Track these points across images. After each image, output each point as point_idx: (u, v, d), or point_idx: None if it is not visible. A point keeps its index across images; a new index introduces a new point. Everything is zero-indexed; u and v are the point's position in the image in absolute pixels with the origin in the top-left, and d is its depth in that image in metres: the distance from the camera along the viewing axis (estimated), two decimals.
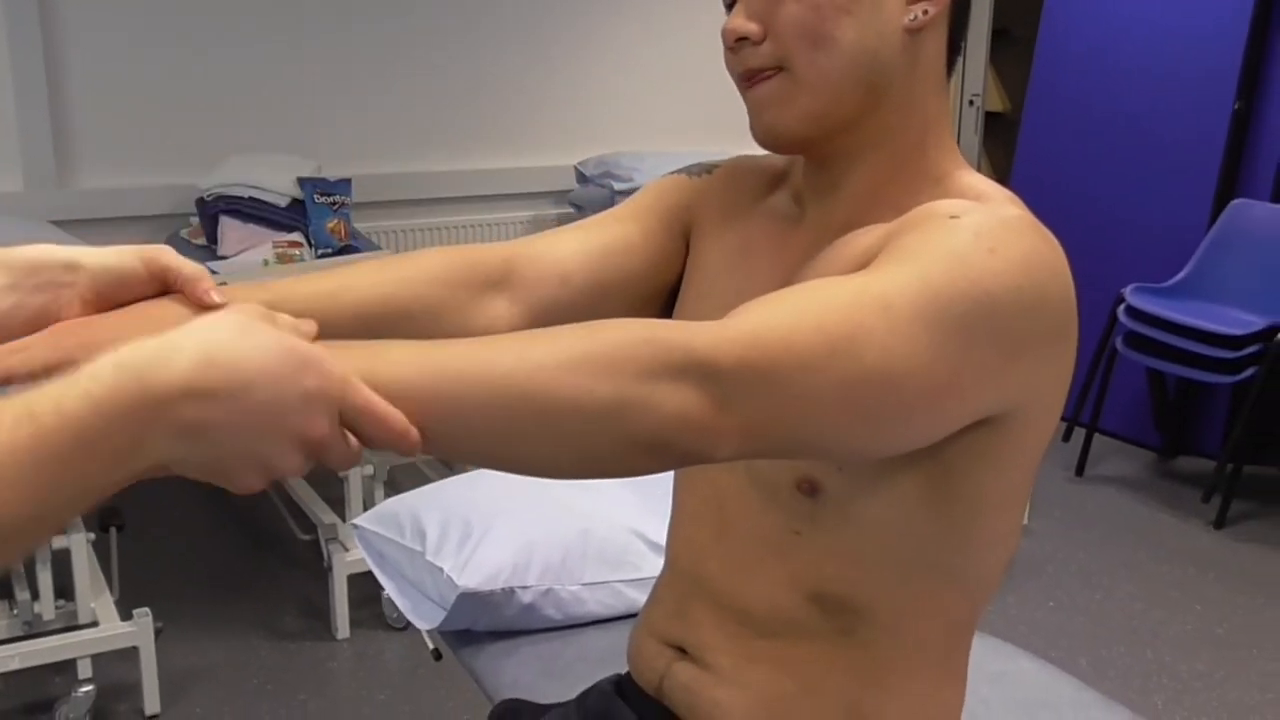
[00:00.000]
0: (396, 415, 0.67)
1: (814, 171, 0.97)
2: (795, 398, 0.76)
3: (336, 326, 0.91)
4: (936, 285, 0.79)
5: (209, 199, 3.40)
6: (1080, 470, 3.77)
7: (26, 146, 3.45)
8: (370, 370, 0.67)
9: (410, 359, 0.70)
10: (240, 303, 0.69)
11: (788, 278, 0.95)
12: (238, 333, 0.63)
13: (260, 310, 0.68)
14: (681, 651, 1.04)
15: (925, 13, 0.90)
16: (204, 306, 0.84)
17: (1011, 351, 0.83)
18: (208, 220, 3.40)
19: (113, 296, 0.84)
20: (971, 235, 0.82)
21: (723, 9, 0.95)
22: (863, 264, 0.86)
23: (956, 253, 0.81)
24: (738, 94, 0.95)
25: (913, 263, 0.81)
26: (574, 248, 1.04)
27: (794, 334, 0.76)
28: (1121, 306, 3.60)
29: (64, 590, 2.35)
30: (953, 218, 0.84)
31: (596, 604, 1.67)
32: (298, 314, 0.74)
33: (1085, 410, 3.81)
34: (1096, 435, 3.83)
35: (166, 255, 0.86)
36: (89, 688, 2.36)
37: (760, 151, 1.01)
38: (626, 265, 1.05)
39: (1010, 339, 0.82)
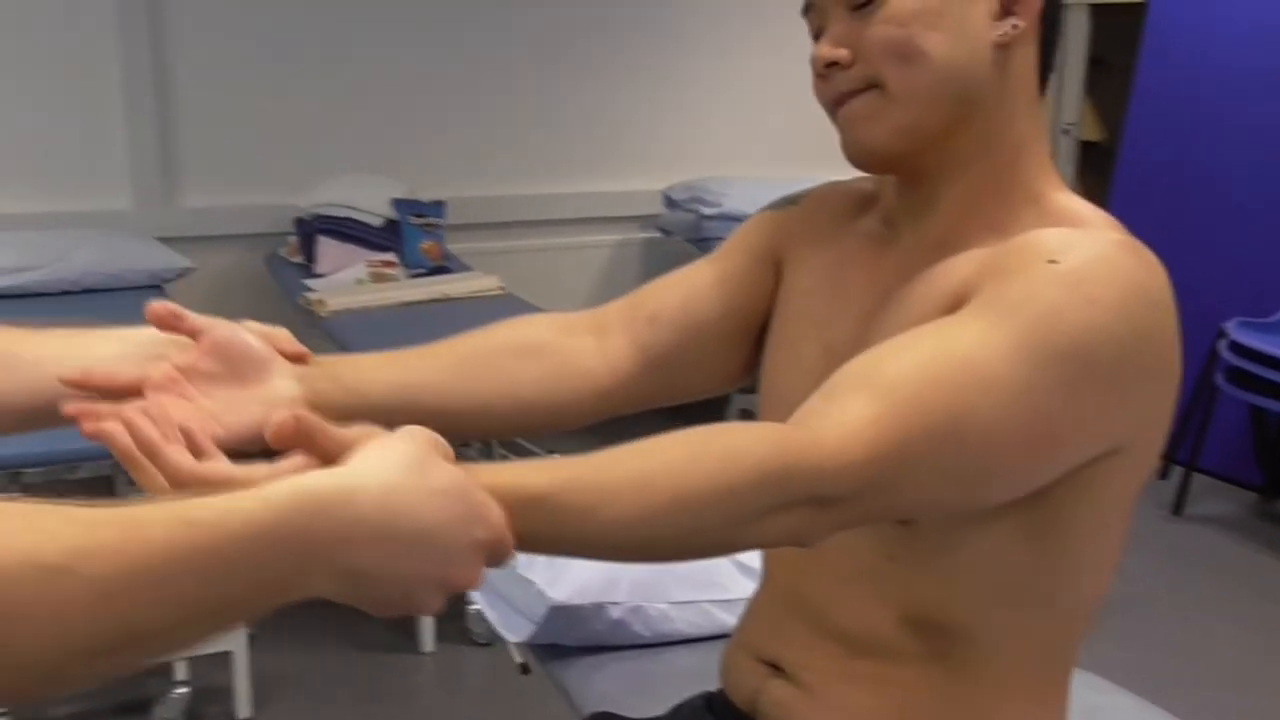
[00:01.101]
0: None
1: (907, 191, 0.97)
2: (901, 494, 0.80)
3: (441, 371, 0.97)
4: (1036, 350, 0.80)
5: (307, 218, 3.49)
6: (1178, 509, 3.67)
7: (136, 167, 3.57)
8: (501, 481, 0.68)
9: (540, 469, 0.71)
10: (412, 430, 0.66)
11: (881, 299, 0.95)
12: (417, 472, 0.61)
13: (434, 440, 0.65)
14: (776, 669, 1.04)
15: (1014, 28, 0.90)
16: (292, 357, 0.90)
17: (1112, 398, 0.83)
18: (305, 239, 3.49)
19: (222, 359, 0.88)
20: (1070, 286, 0.81)
21: (809, 35, 0.96)
22: (959, 298, 0.87)
23: (1055, 309, 0.81)
24: (826, 119, 0.96)
25: (1012, 322, 0.81)
26: (661, 291, 1.08)
27: (908, 436, 0.77)
28: (1223, 341, 3.50)
29: None
30: (1051, 262, 0.83)
31: (684, 623, 1.67)
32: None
33: (1184, 447, 3.70)
34: (1195, 473, 3.73)
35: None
36: (184, 689, 2.42)
37: (850, 174, 1.02)
38: (717, 302, 1.06)
39: (1111, 386, 0.82)
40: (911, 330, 0.85)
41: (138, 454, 0.66)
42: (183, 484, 0.65)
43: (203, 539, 0.55)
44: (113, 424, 0.66)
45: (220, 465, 0.66)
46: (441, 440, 0.66)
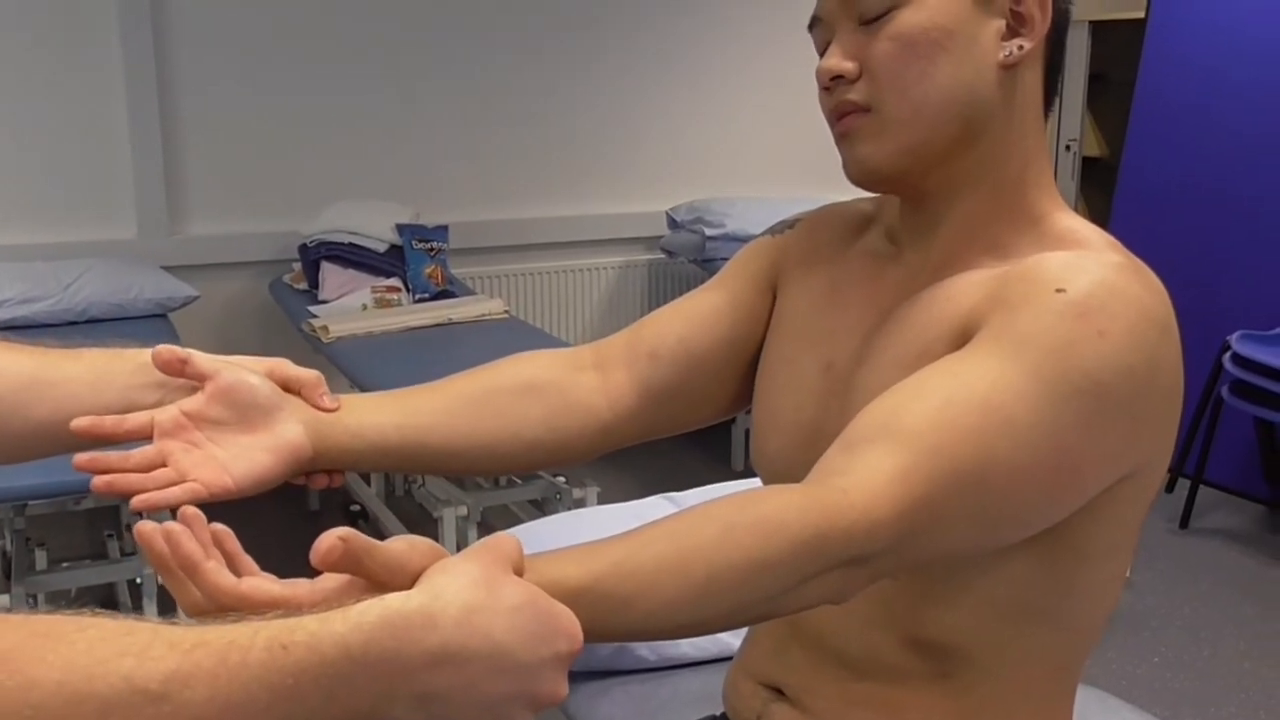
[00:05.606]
0: None
1: (911, 210, 0.97)
2: (930, 543, 0.80)
3: (447, 414, 0.98)
4: (1051, 386, 0.80)
5: (311, 245, 3.50)
6: (1185, 523, 3.65)
7: (141, 196, 3.60)
8: (537, 577, 0.68)
9: (577, 563, 0.71)
10: (477, 550, 0.66)
11: (882, 316, 0.95)
12: (491, 593, 0.61)
13: (500, 555, 0.65)
14: (778, 692, 1.04)
15: (1020, 48, 0.90)
16: (320, 409, 0.92)
17: (1128, 428, 0.84)
18: (309, 265, 3.50)
19: (234, 402, 0.88)
20: (1079, 317, 0.82)
21: (815, 53, 0.96)
22: (966, 329, 0.87)
23: (1067, 343, 0.81)
24: (830, 139, 0.95)
25: (1025, 359, 0.81)
26: (660, 325, 1.07)
27: (935, 488, 0.78)
28: (1227, 354, 3.50)
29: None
30: (1059, 291, 0.83)
31: (690, 645, 1.66)
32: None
33: (1190, 461, 3.69)
34: (1202, 487, 3.71)
35: (286, 366, 0.93)
36: None
37: (854, 195, 1.02)
38: (716, 334, 1.06)
39: (1127, 417, 0.83)
40: (923, 370, 0.85)
41: (174, 567, 0.65)
42: (223, 603, 0.64)
43: (297, 663, 0.55)
44: (150, 527, 0.66)
45: (261, 584, 0.65)
46: (508, 551, 0.66)
